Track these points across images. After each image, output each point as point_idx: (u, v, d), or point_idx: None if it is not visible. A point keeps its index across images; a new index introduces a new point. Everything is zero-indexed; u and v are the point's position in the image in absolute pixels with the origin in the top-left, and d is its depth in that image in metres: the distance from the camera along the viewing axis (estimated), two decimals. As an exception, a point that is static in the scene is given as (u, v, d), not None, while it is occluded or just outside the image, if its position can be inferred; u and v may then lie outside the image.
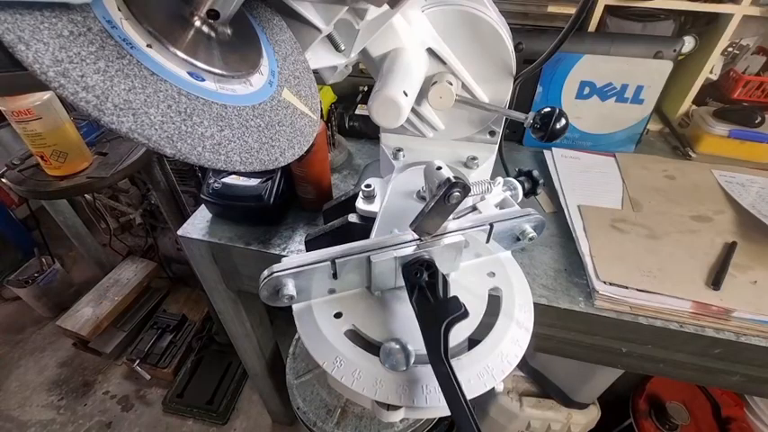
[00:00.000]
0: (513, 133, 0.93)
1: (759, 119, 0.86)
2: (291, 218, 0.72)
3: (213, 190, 0.67)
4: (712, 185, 0.77)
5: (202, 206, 0.72)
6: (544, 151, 0.87)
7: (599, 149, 0.88)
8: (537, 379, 1.04)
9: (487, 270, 0.40)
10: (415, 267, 0.34)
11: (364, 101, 0.98)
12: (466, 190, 0.31)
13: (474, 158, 0.59)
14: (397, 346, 0.31)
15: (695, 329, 0.54)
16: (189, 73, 0.25)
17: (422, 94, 0.51)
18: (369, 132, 0.94)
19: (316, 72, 0.39)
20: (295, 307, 0.35)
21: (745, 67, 0.95)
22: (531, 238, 0.40)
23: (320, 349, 0.32)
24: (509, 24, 0.53)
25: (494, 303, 0.37)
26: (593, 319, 0.56)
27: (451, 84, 0.49)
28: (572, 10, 0.85)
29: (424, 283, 0.32)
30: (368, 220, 0.48)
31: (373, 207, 0.49)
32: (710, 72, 0.91)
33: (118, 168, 0.92)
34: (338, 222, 0.50)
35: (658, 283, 0.57)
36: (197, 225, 0.70)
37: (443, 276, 0.33)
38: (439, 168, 0.34)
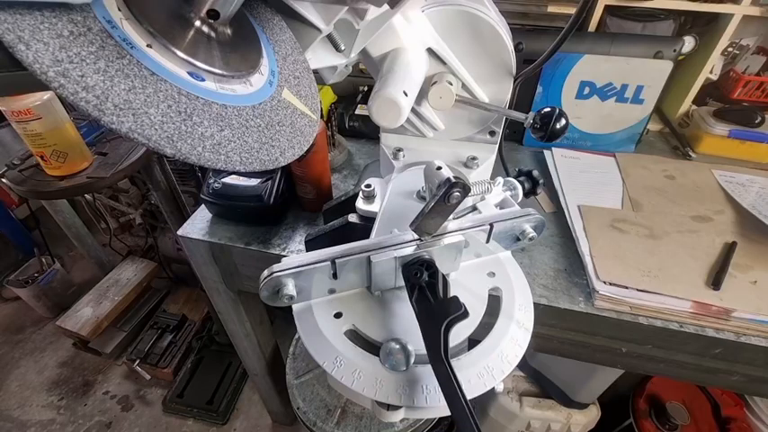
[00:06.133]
0: (513, 133, 0.93)
1: (759, 119, 0.86)
2: (291, 218, 0.72)
3: (213, 190, 0.67)
4: (712, 185, 0.77)
5: (202, 206, 0.72)
6: (544, 151, 0.87)
7: (599, 149, 0.88)
8: (537, 379, 1.04)
9: (487, 270, 0.40)
10: (415, 267, 0.34)
11: (364, 101, 0.98)
12: (466, 190, 0.31)
13: (474, 158, 0.59)
14: (397, 346, 0.31)
15: (695, 329, 0.54)
16: (189, 73, 0.25)
17: (422, 94, 0.51)
18: (369, 132, 0.93)
19: (316, 72, 0.39)
20: (295, 307, 0.35)
21: (745, 67, 0.95)
22: (531, 238, 0.40)
23: (320, 349, 0.32)
24: (509, 24, 0.53)
25: (494, 303, 0.37)
26: (594, 319, 0.56)
27: (451, 84, 0.49)
28: (572, 10, 0.85)
29: (424, 283, 0.32)
30: (368, 220, 0.48)
31: (373, 207, 0.49)
32: (710, 72, 0.91)
33: (118, 168, 0.92)
34: (338, 222, 0.50)
35: (658, 283, 0.57)
36: (197, 225, 0.70)
37: (443, 276, 0.33)
38: (439, 168, 0.34)
